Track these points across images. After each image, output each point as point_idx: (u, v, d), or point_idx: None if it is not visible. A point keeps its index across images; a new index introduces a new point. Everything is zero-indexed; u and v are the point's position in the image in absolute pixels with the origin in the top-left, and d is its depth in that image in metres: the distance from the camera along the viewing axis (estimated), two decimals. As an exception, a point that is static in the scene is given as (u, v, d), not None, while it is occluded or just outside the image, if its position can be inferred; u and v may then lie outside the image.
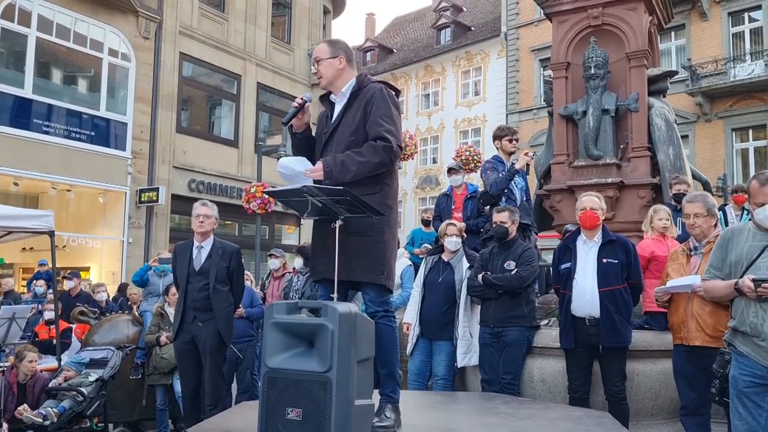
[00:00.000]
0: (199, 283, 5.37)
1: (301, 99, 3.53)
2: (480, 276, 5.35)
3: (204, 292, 5.35)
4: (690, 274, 4.23)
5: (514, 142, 6.66)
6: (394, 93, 3.58)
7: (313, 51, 3.69)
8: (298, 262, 8.08)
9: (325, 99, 3.68)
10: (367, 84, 3.55)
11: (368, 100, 3.46)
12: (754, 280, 3.26)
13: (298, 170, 3.40)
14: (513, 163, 6.41)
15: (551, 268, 5.58)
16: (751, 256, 3.41)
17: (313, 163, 3.53)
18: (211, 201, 5.88)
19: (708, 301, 4.01)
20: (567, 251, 5.02)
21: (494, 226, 5.56)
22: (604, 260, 4.80)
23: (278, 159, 15.55)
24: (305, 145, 3.65)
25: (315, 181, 3.31)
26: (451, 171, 7.59)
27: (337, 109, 3.58)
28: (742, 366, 3.38)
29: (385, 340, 3.50)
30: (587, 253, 4.90)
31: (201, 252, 5.49)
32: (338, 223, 3.26)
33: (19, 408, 6.05)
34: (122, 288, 12.57)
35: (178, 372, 6.20)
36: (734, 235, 3.56)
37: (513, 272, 5.26)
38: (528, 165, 6.47)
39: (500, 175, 6.32)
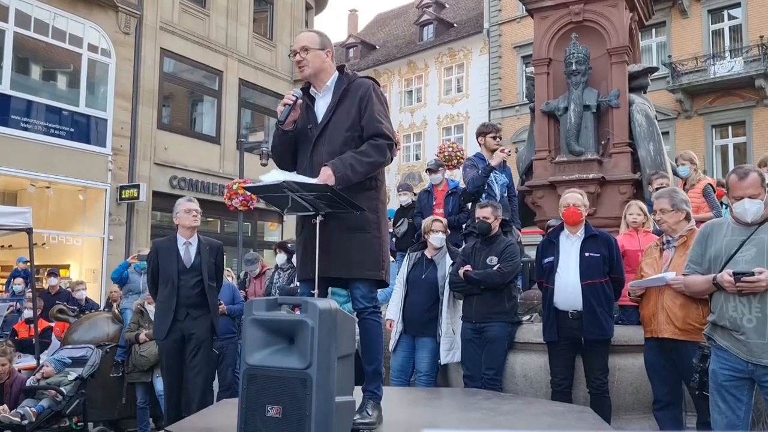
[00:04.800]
0: (193, 280, 5.42)
1: (293, 95, 3.43)
2: (462, 271, 5.34)
3: (198, 288, 5.41)
4: (663, 267, 4.27)
5: (498, 139, 6.67)
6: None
7: (299, 38, 3.54)
8: (280, 258, 8.03)
9: (305, 92, 3.56)
10: (355, 79, 3.51)
11: (362, 97, 3.41)
12: (734, 274, 3.28)
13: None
14: (489, 161, 6.41)
15: (535, 263, 5.61)
16: (730, 251, 3.43)
17: (297, 161, 3.48)
18: (193, 198, 5.88)
19: (679, 294, 4.03)
20: (550, 246, 5.06)
21: (477, 221, 5.56)
22: (587, 254, 4.84)
23: (260, 156, 15.58)
24: (294, 143, 3.56)
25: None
26: (430, 171, 7.59)
27: (321, 103, 3.51)
28: (721, 360, 3.40)
29: (373, 336, 3.49)
30: (570, 248, 4.93)
31: (189, 248, 5.52)
32: (319, 219, 3.23)
33: (-5, 409, 5.96)
34: None
35: (160, 370, 6.14)
36: (714, 230, 3.58)
37: (495, 268, 5.27)
38: (504, 162, 6.48)
39: (478, 172, 6.32)
